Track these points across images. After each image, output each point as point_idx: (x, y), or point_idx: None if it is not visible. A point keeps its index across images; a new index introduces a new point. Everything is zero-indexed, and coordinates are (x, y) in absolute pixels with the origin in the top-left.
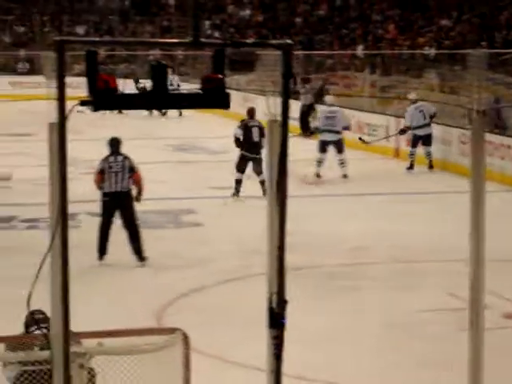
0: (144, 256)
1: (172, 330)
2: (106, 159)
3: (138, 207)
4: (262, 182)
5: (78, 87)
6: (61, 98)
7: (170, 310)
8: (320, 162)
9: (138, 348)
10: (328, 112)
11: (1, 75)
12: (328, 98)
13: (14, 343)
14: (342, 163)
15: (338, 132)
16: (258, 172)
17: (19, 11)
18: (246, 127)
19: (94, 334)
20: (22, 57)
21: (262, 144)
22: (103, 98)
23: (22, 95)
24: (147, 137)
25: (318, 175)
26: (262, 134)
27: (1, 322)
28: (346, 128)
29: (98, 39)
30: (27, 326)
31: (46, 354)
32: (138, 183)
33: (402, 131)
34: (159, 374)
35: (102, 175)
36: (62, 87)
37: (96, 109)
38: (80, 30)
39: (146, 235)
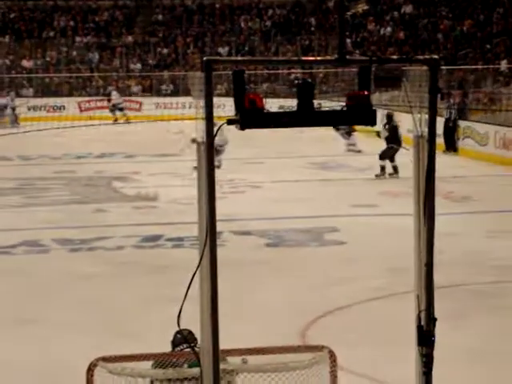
0: None
1: (319, 348)
2: None
3: (281, 226)
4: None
5: (219, 107)
6: (208, 117)
7: (314, 328)
8: None
9: (284, 366)
10: None
11: (146, 97)
12: None
13: (162, 361)
14: None
15: None
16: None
17: (163, 33)
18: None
19: (240, 351)
20: (165, 78)
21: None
22: (250, 117)
23: (167, 116)
24: (290, 155)
25: None
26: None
27: (150, 340)
28: None
29: (244, 58)
30: (175, 344)
31: (194, 370)
32: None
33: None
34: None
35: None
36: (209, 106)
37: (243, 127)
38: (222, 50)
39: (289, 253)
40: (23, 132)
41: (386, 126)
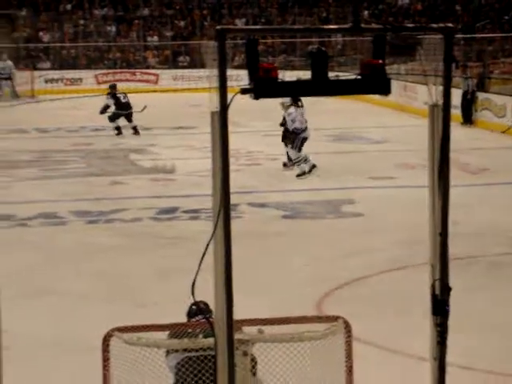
0: None
1: (334, 318)
2: None
3: (297, 198)
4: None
5: (237, 80)
6: (222, 86)
7: (330, 300)
8: None
9: (299, 336)
10: None
11: (163, 69)
12: None
13: (177, 331)
14: None
15: None
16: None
17: (180, 5)
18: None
19: (255, 321)
20: (182, 50)
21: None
22: (264, 86)
23: (183, 88)
24: None
25: None
26: None
27: (166, 311)
28: None
29: (257, 27)
30: (190, 316)
31: (210, 341)
32: None
33: None
34: (321, 363)
35: None
36: (222, 75)
37: (257, 97)
38: (239, 22)
39: (306, 226)
40: (35, 102)
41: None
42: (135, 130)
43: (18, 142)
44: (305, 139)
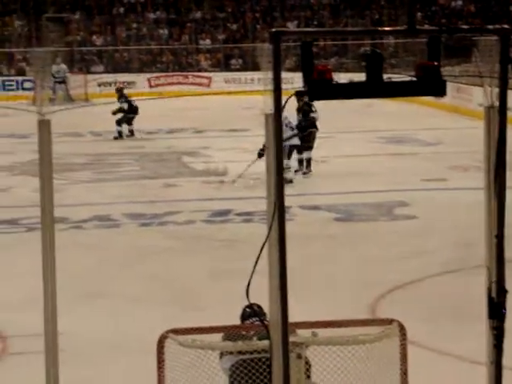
0: None
1: (388, 321)
2: None
3: (350, 200)
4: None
5: (289, 82)
6: (277, 88)
7: (383, 302)
8: None
9: (354, 339)
10: None
11: (215, 72)
12: None
13: (231, 333)
14: None
15: None
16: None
17: (232, 8)
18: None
19: (309, 324)
20: (235, 53)
21: None
22: (318, 88)
23: (236, 91)
24: (358, 130)
25: None
26: None
27: (218, 314)
28: None
29: (311, 29)
30: (244, 318)
31: (264, 343)
32: None
33: None
34: (375, 366)
35: None
36: (277, 78)
37: (311, 99)
38: (291, 25)
39: (359, 228)
40: (91, 105)
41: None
42: (132, 133)
43: (72, 145)
44: (292, 147)
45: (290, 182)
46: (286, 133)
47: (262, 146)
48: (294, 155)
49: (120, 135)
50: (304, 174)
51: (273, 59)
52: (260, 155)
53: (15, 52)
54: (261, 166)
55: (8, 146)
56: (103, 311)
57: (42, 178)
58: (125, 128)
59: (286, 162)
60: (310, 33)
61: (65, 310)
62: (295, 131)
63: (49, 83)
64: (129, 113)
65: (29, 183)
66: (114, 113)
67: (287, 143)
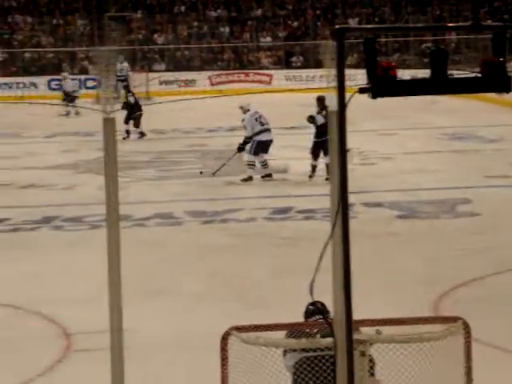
0: None
1: (453, 319)
2: None
3: (412, 197)
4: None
5: (351, 79)
6: (340, 86)
7: (446, 300)
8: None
9: (418, 336)
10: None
11: (276, 69)
12: None
13: (295, 331)
14: None
15: None
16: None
17: (292, 6)
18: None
19: (373, 321)
20: (296, 51)
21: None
22: (382, 85)
23: (297, 89)
24: (421, 126)
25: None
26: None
27: (281, 311)
28: None
29: (375, 26)
30: (307, 315)
31: (328, 341)
32: None
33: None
34: (439, 364)
35: None
36: (341, 74)
37: (375, 96)
38: (352, 22)
39: (421, 226)
40: (152, 103)
41: (323, 112)
42: (142, 134)
43: (135, 143)
44: (261, 143)
45: (250, 179)
46: (255, 128)
47: (242, 141)
48: (321, 159)
49: (128, 134)
50: (327, 179)
51: (336, 56)
52: (240, 149)
53: (78, 51)
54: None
55: (73, 144)
56: (166, 308)
57: (108, 176)
58: (132, 127)
59: (249, 156)
60: (373, 29)
61: (128, 307)
62: (266, 126)
63: (112, 82)
64: (133, 108)
65: (93, 181)
66: (123, 107)
67: (256, 138)
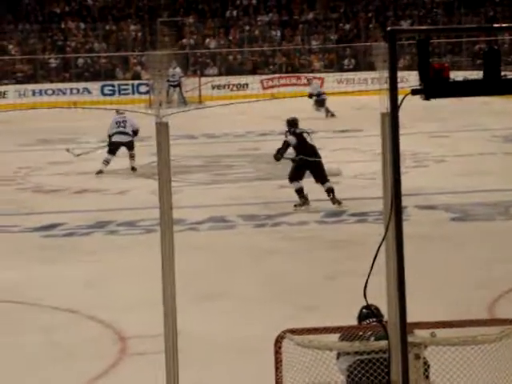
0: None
1: (508, 321)
2: None
3: (466, 200)
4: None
5: (403, 81)
6: (393, 87)
7: (502, 302)
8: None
9: (473, 339)
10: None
11: (328, 72)
12: None
13: (348, 334)
14: None
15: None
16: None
17: (344, 9)
18: (296, 134)
19: (427, 324)
20: (347, 53)
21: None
22: (435, 86)
23: (349, 91)
24: (475, 128)
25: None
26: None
27: (333, 314)
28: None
29: (427, 27)
30: (360, 318)
31: (381, 343)
32: None
33: None
34: (495, 366)
35: None
36: (393, 76)
37: (428, 97)
38: (404, 24)
39: (475, 228)
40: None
41: (292, 130)
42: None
43: (188, 147)
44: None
45: (101, 172)
46: (113, 129)
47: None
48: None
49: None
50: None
51: (389, 58)
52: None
53: (130, 56)
54: (374, 165)
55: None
56: (219, 312)
57: (161, 180)
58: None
59: (108, 156)
60: (426, 30)
61: (182, 310)
62: (126, 130)
63: (165, 87)
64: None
65: (146, 185)
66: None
67: (114, 140)
